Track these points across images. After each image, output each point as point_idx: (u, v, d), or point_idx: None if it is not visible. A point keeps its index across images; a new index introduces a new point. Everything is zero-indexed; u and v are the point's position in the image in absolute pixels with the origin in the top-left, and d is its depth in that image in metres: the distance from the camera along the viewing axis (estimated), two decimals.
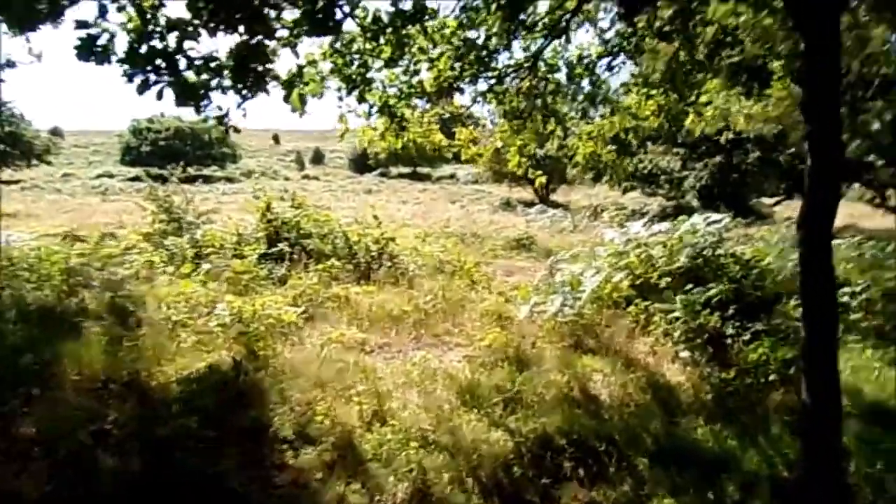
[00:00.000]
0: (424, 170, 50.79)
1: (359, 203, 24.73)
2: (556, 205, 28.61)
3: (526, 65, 5.70)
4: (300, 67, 3.95)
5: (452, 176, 49.43)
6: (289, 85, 3.90)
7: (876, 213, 19.97)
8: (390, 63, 4.87)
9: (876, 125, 6.96)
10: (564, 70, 5.95)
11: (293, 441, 4.05)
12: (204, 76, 3.56)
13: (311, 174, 50.54)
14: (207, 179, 41.58)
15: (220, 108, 3.85)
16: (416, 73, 5.38)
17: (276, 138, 67.20)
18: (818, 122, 2.95)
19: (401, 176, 49.48)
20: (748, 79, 5.82)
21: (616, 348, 5.82)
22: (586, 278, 6.91)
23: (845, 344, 5.54)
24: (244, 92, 3.54)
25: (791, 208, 22.83)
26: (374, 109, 5.13)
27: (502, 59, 5.84)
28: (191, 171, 41.55)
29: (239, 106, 3.64)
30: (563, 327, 6.25)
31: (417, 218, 20.16)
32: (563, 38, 5.72)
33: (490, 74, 5.80)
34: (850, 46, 5.97)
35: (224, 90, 3.64)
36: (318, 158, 59.12)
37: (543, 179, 6.20)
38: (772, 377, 4.92)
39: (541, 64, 5.87)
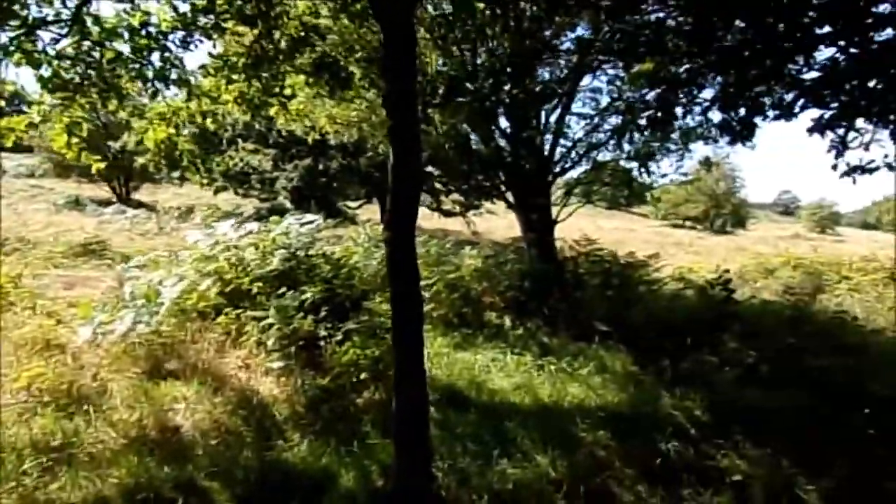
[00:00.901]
0: None
1: None
2: (139, 204, 25.46)
3: (67, 20, 4.45)
4: None
5: None
6: None
7: (433, 216, 23.79)
8: None
9: (434, 135, 7.96)
10: (127, 37, 4.92)
11: None
12: None
13: None
14: None
15: None
16: None
17: None
18: (399, 113, 2.90)
19: None
20: (330, 78, 5.80)
21: (204, 367, 5.08)
22: (166, 288, 5.94)
23: None
24: None
25: (371, 211, 25.51)
26: None
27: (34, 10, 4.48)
28: None
29: None
30: (137, 349, 5.20)
31: None
32: None
33: (14, 24, 4.33)
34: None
35: None
36: None
37: (102, 166, 5.00)
38: (363, 376, 4.94)
39: (93, 25, 4.71)
